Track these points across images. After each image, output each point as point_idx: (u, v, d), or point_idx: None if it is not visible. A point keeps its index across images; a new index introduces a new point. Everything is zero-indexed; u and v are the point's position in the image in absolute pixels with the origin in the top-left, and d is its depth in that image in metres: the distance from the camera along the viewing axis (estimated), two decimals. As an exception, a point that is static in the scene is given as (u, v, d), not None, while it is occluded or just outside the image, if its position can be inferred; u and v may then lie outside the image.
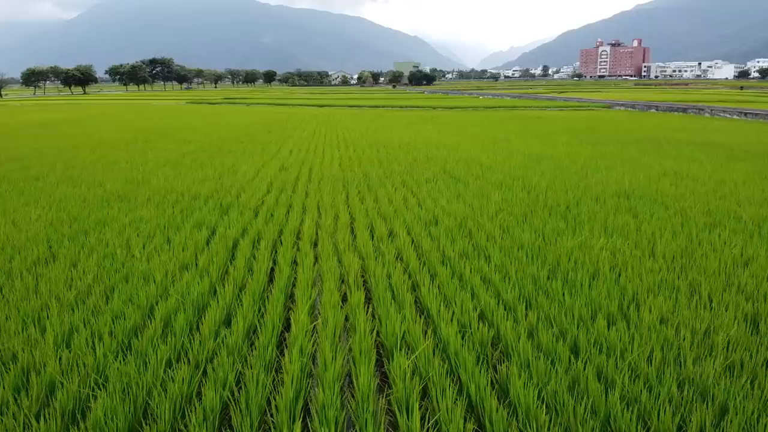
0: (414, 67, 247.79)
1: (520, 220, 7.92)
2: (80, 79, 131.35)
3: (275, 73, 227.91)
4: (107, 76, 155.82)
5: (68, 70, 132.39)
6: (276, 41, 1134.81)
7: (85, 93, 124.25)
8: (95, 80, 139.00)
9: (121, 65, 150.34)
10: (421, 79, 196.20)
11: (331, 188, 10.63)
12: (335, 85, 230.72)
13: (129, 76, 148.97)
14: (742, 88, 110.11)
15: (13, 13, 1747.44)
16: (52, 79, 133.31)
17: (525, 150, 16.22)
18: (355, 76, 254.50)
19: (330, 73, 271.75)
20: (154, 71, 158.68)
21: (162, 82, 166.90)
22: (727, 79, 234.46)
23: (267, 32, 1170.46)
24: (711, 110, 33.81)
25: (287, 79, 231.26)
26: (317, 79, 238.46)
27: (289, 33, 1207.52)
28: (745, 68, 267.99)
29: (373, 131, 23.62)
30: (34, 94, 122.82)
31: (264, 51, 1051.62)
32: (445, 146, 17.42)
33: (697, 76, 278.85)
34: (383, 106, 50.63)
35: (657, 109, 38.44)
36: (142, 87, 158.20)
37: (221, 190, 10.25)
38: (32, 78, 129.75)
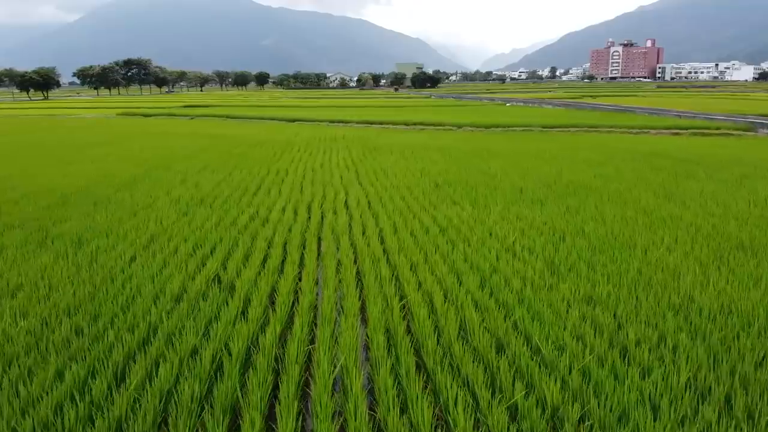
0: (417, 68, 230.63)
1: None
2: (39, 83, 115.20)
3: (268, 75, 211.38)
4: (77, 79, 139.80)
5: (26, 72, 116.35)
6: (277, 43, 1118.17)
7: (46, 98, 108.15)
8: (57, 84, 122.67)
9: (91, 67, 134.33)
10: (425, 81, 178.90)
11: None
12: (333, 87, 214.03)
13: (99, 78, 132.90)
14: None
15: (14, 15, 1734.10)
16: (7, 83, 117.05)
17: None
18: (355, 78, 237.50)
19: (328, 75, 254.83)
20: (128, 73, 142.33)
21: (138, 86, 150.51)
22: (747, 81, 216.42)
23: (268, 34, 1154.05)
24: None
25: (282, 82, 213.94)
26: (314, 81, 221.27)
27: (291, 35, 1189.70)
28: (765, 70, 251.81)
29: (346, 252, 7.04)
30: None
31: (265, 53, 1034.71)
32: None
33: (714, 77, 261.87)
34: (380, 123, 34.01)
35: None
36: (115, 91, 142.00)
37: None
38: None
